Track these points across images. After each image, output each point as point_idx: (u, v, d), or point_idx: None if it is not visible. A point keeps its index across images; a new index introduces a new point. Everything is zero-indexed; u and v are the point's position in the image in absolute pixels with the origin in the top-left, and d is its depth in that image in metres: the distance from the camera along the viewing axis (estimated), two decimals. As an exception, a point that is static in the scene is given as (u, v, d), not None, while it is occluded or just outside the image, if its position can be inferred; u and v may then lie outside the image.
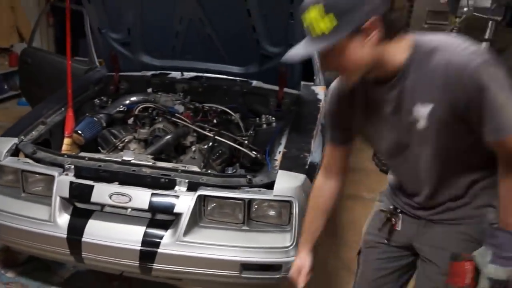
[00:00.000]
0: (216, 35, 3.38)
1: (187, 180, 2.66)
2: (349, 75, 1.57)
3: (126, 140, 3.21)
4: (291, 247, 2.58)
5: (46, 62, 4.68)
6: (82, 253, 2.64)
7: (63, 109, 3.30)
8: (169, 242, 2.58)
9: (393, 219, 1.91)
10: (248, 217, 2.65)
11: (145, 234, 2.59)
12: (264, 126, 3.34)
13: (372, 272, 2.04)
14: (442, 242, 1.76)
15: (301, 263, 2.02)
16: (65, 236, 2.63)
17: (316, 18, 1.42)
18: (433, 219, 1.78)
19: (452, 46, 1.47)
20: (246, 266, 2.56)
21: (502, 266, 1.51)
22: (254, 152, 3.00)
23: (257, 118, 3.40)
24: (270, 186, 2.63)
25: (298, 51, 1.51)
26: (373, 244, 2.03)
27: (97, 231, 2.63)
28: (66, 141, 3.17)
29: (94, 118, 3.30)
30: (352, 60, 1.49)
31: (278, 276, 2.59)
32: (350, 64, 1.50)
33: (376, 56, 1.50)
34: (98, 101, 3.58)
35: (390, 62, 1.53)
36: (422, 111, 1.54)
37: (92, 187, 2.68)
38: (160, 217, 2.69)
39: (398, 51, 1.52)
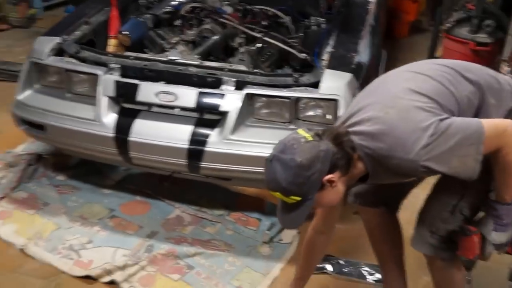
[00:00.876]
0: None
1: (234, 79, 2.58)
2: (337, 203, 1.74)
3: (173, 42, 3.09)
4: None
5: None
6: (130, 152, 2.62)
7: (106, 8, 3.19)
8: (216, 141, 2.54)
9: None
10: (296, 117, 2.58)
11: (193, 133, 2.55)
12: (314, 27, 3.18)
13: None
14: None
15: None
16: (112, 135, 2.61)
17: (282, 197, 1.60)
18: None
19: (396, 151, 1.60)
20: None
21: (502, 232, 1.77)
22: (303, 54, 2.88)
23: (306, 20, 3.24)
24: (316, 85, 2.55)
25: (291, 222, 1.75)
26: None
27: (144, 130, 2.60)
28: (112, 42, 3.07)
29: (140, 19, 3.18)
30: (333, 199, 1.68)
31: None
32: (334, 201, 1.69)
33: (348, 182, 1.70)
34: (144, 1, 3.44)
35: (358, 175, 1.72)
36: None
37: (137, 85, 2.63)
38: (207, 117, 2.63)
39: (358, 167, 1.68)
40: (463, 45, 4.30)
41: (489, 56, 4.22)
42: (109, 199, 2.98)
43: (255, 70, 2.76)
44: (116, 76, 2.67)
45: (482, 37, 4.29)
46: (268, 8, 3.29)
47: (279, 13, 3.27)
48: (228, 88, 2.57)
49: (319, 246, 2.11)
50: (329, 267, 2.58)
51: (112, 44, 3.07)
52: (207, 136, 2.55)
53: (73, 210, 2.87)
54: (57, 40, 2.87)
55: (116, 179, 3.16)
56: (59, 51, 2.87)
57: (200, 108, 2.59)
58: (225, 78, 2.58)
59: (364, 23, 3.11)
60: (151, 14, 3.25)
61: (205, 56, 2.99)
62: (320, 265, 2.57)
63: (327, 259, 2.61)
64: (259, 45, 3.02)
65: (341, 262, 2.62)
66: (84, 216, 2.83)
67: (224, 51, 3.10)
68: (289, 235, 2.76)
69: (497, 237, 1.77)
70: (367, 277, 2.56)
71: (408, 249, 2.10)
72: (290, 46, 2.97)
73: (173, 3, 3.36)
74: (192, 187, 3.05)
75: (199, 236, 2.73)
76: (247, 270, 2.54)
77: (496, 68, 3.21)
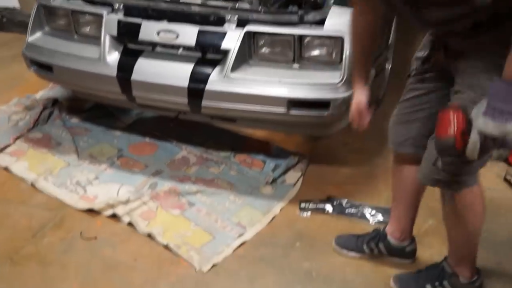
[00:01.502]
0: None
1: (236, 17, 2.51)
2: None
3: None
4: (340, 83, 2.43)
5: None
6: (133, 91, 2.62)
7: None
8: (216, 79, 2.50)
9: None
10: (300, 56, 2.50)
11: (193, 72, 2.52)
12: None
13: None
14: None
15: (358, 100, 1.98)
16: (115, 74, 2.61)
17: None
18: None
19: None
20: (293, 103, 2.45)
21: (492, 119, 1.39)
22: None
23: None
24: (323, 23, 2.44)
25: None
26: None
27: (146, 69, 2.58)
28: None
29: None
30: None
31: (326, 113, 2.47)
32: None
33: None
34: None
35: None
36: None
37: (139, 25, 2.60)
38: (210, 56, 2.59)
39: None
40: None
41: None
42: (119, 140, 3.03)
43: (259, 8, 2.68)
44: (119, 16, 2.65)
45: None
46: None
47: None
48: (230, 26, 2.51)
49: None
50: (329, 207, 2.54)
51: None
52: (207, 74, 2.51)
53: (84, 150, 2.93)
54: None
55: (127, 122, 3.20)
56: None
57: (201, 46, 2.55)
58: (228, 16, 2.52)
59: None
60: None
61: None
62: (320, 206, 2.55)
63: (329, 200, 2.58)
64: None
65: (343, 203, 2.58)
66: (93, 155, 2.88)
67: None
68: (292, 176, 2.73)
69: (484, 124, 1.41)
70: (369, 218, 2.51)
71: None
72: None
73: None
74: (200, 130, 3.06)
75: (202, 175, 2.74)
76: (248, 208, 2.53)
77: None
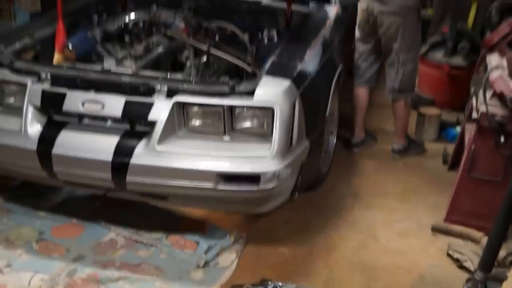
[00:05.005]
0: None
1: (166, 88, 2.31)
2: None
3: (121, 56, 2.86)
4: (270, 156, 2.23)
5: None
6: (53, 167, 2.34)
7: (55, 23, 2.98)
8: (142, 152, 2.26)
9: None
10: (231, 128, 2.31)
11: (118, 145, 2.28)
12: (265, 41, 2.97)
13: None
14: None
15: None
16: (35, 148, 2.34)
17: None
18: None
19: None
20: (222, 177, 2.22)
21: None
22: (252, 67, 2.63)
23: (259, 34, 3.03)
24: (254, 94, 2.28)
25: None
26: None
27: (69, 142, 2.33)
28: (57, 57, 2.83)
29: (88, 33, 2.96)
30: None
31: (256, 189, 2.24)
32: None
33: None
34: (96, 18, 3.26)
35: None
36: None
37: (64, 95, 2.37)
38: (139, 129, 2.36)
39: None
40: (438, 69, 4.07)
41: (465, 80, 3.95)
42: (42, 222, 2.67)
43: (189, 79, 2.51)
44: (45, 85, 2.42)
45: (457, 60, 4.06)
46: (224, 24, 3.08)
47: (236, 30, 3.04)
48: (159, 97, 2.30)
49: None
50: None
51: (57, 59, 2.84)
52: (133, 147, 2.26)
53: (0, 233, 2.57)
54: None
55: (55, 201, 2.86)
56: None
57: (127, 117, 2.32)
58: (158, 87, 2.31)
59: (317, 35, 2.91)
60: (101, 29, 3.04)
61: (149, 68, 2.74)
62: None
63: (263, 284, 2.28)
64: (205, 58, 2.78)
65: (277, 287, 2.29)
66: (10, 239, 2.52)
67: (172, 66, 2.87)
68: (227, 258, 2.44)
69: None
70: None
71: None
72: (238, 58, 2.74)
73: (125, 19, 3.16)
74: (132, 209, 2.76)
75: (129, 260, 2.41)
76: (173, 297, 2.20)
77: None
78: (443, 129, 3.90)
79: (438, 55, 4.07)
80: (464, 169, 2.72)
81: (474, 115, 2.65)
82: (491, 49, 3.14)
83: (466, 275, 2.42)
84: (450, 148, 3.55)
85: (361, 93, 3.62)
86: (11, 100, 2.54)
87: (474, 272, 2.27)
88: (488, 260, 2.18)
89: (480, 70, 3.45)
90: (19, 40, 2.78)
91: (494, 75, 2.61)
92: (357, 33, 3.48)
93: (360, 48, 3.51)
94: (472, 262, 2.47)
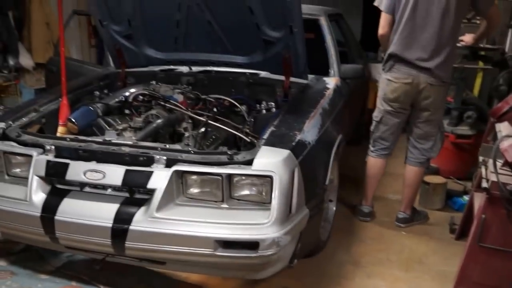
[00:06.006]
0: (216, 21, 3.31)
1: (165, 157, 2.54)
2: None
3: (121, 128, 3.14)
4: (269, 223, 2.39)
5: (68, 69, 4.75)
6: (56, 232, 2.57)
7: (60, 99, 3.29)
8: (141, 219, 2.46)
9: None
10: (229, 195, 2.50)
11: (118, 211, 2.50)
12: (264, 112, 3.20)
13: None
14: None
15: None
16: (39, 214, 2.57)
17: None
18: None
19: None
20: (221, 243, 2.39)
21: None
22: (250, 137, 2.86)
23: (257, 105, 3.27)
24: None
25: None
26: None
27: (71, 209, 2.56)
28: (60, 129, 3.14)
29: (90, 107, 3.26)
30: None
31: (254, 255, 2.39)
32: None
33: None
34: (98, 93, 3.56)
35: None
36: None
37: (67, 165, 2.62)
38: (138, 197, 2.57)
39: None
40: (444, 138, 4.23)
41: (472, 149, 4.11)
42: (44, 284, 2.90)
43: (188, 149, 2.73)
44: (49, 157, 2.69)
45: (463, 129, 4.21)
46: (222, 97, 3.34)
47: (234, 102, 3.30)
48: (158, 166, 2.54)
49: None
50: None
51: (60, 132, 3.12)
52: (132, 214, 2.48)
53: (4, 296, 2.80)
54: (1, 125, 2.94)
55: (56, 265, 3.10)
56: (3, 136, 2.91)
57: (127, 185, 2.55)
58: (157, 156, 2.56)
59: (316, 105, 3.13)
60: (102, 103, 3.34)
61: (149, 139, 2.98)
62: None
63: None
64: (204, 129, 3.02)
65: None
66: (13, 301, 2.74)
67: (171, 137, 3.12)
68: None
69: None
70: None
71: None
72: (236, 130, 2.96)
73: (125, 93, 3.47)
74: (131, 273, 2.95)
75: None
76: None
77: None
78: (449, 198, 4.03)
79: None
80: (474, 238, 2.72)
81: (484, 184, 2.68)
82: (500, 118, 3.26)
83: None
84: (457, 217, 3.66)
85: (379, 164, 3.76)
86: (17, 170, 2.80)
87: None
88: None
89: (489, 139, 3.57)
90: (26, 115, 3.09)
91: (505, 144, 2.61)
92: (388, 107, 3.57)
93: (391, 121, 3.61)
94: None
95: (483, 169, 2.77)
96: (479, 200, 2.88)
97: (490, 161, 2.62)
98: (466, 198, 3.85)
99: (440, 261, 3.30)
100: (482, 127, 4.12)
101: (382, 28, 3.52)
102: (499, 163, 2.60)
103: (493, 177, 2.59)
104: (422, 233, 3.68)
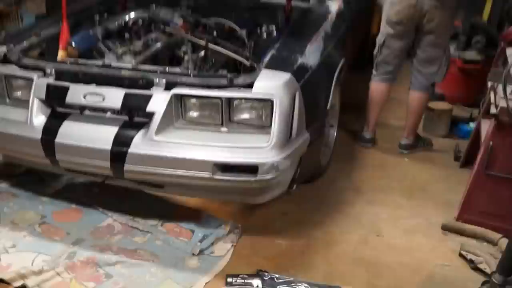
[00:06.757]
0: None
1: (164, 80, 2.53)
2: None
3: (121, 52, 3.11)
4: (269, 147, 2.41)
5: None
6: (56, 154, 2.60)
7: (60, 23, 3.25)
8: (140, 142, 2.49)
9: None
10: (229, 119, 2.51)
11: (117, 134, 2.52)
12: (264, 36, 3.16)
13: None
14: None
15: None
16: (39, 137, 2.60)
17: None
18: None
19: None
20: (219, 167, 2.42)
21: None
22: (250, 61, 2.82)
23: (258, 29, 3.22)
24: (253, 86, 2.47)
25: None
26: None
27: (71, 132, 2.59)
28: (61, 53, 3.10)
29: (90, 30, 3.23)
30: None
31: (253, 179, 2.42)
32: None
33: None
34: (98, 17, 3.50)
35: None
36: None
37: (67, 88, 2.63)
38: (137, 120, 2.58)
39: None
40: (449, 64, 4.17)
41: (479, 75, 4.05)
42: (45, 206, 2.99)
43: (188, 71, 2.71)
44: (49, 80, 2.69)
45: (471, 54, 4.14)
46: (222, 20, 3.29)
47: (234, 26, 3.25)
48: (157, 90, 2.53)
49: None
50: (258, 283, 2.42)
51: (61, 56, 3.09)
52: (131, 137, 2.50)
53: (6, 216, 2.88)
54: (2, 49, 2.92)
55: (56, 187, 3.17)
56: (4, 59, 2.89)
57: (126, 108, 2.56)
58: (156, 79, 2.54)
59: (318, 28, 3.09)
60: (102, 27, 3.30)
61: (148, 63, 2.95)
62: (249, 281, 2.43)
63: (259, 274, 2.47)
64: (203, 52, 2.97)
65: (275, 278, 2.46)
66: (15, 222, 2.83)
67: (170, 61, 3.09)
68: (222, 248, 2.66)
69: None
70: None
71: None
72: (236, 52, 2.92)
73: (125, 17, 3.42)
74: (129, 197, 3.02)
75: (125, 245, 2.67)
76: (168, 282, 2.43)
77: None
78: (455, 125, 4.02)
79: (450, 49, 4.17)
80: (480, 165, 2.71)
81: (493, 110, 2.65)
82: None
83: (480, 277, 2.47)
84: (462, 144, 3.64)
85: (383, 89, 3.74)
86: (18, 93, 2.82)
87: (491, 275, 2.27)
88: (508, 263, 2.16)
89: (499, 64, 3.52)
90: (26, 39, 3.06)
91: (516, 69, 2.56)
92: (391, 30, 3.54)
93: (394, 45, 3.57)
94: (489, 264, 2.50)
95: (492, 95, 2.72)
96: (486, 126, 2.87)
97: (500, 86, 2.57)
98: (472, 125, 3.83)
99: (444, 188, 3.30)
100: (490, 52, 4.05)
101: None
102: (509, 88, 2.55)
103: (502, 103, 2.56)
104: (426, 160, 3.67)
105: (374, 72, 3.74)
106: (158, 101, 2.49)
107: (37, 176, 3.20)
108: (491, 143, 2.67)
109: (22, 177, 3.25)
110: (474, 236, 2.78)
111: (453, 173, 3.48)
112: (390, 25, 3.52)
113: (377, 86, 3.73)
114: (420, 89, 3.63)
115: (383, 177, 3.44)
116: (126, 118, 2.60)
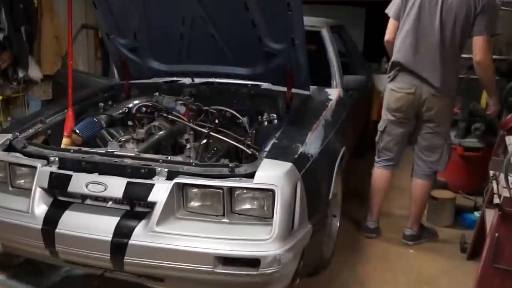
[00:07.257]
0: (219, 34, 3.35)
1: (166, 170, 2.56)
2: None
3: (123, 140, 3.16)
4: (271, 239, 2.38)
5: (75, 81, 4.81)
6: (56, 245, 2.58)
7: (65, 110, 3.33)
8: (141, 233, 2.47)
9: None
10: (230, 210, 2.49)
11: (118, 225, 2.50)
12: (265, 124, 3.22)
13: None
14: None
15: None
16: (40, 226, 2.59)
17: None
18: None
19: None
20: (221, 260, 2.39)
21: None
22: (251, 150, 2.87)
23: (259, 117, 3.29)
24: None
25: None
26: None
27: (72, 222, 2.57)
28: (65, 141, 3.17)
29: (94, 118, 3.30)
30: None
31: (255, 273, 2.38)
32: None
33: None
34: (102, 105, 3.60)
35: None
36: None
37: (70, 176, 2.64)
38: (139, 210, 2.58)
39: None
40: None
41: (480, 162, 4.08)
42: (42, 300, 2.91)
43: (190, 161, 2.74)
44: (53, 168, 2.71)
45: (471, 141, 4.18)
46: (224, 109, 3.37)
47: (236, 114, 3.32)
48: (159, 179, 2.55)
49: None
50: None
51: (65, 143, 3.16)
52: (132, 228, 2.48)
53: (2, 310, 2.81)
54: (8, 136, 2.97)
55: (54, 280, 3.12)
56: (9, 147, 2.94)
57: (128, 198, 2.56)
58: (158, 169, 2.57)
59: (319, 117, 3.15)
60: (106, 114, 3.38)
61: (151, 151, 3.01)
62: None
63: None
64: (205, 141, 3.03)
65: None
66: (11, 316, 2.75)
67: (173, 148, 3.14)
68: None
69: None
70: None
71: None
72: (238, 141, 2.97)
73: (129, 105, 3.50)
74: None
75: None
76: None
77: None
78: (459, 214, 3.97)
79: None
80: (487, 259, 2.63)
81: (496, 200, 2.61)
82: (511, 130, 3.21)
83: None
84: (468, 234, 3.58)
85: (385, 175, 3.75)
86: (21, 181, 2.83)
87: None
88: None
89: (499, 153, 3.53)
90: (32, 126, 3.14)
91: (516, 157, 2.55)
92: (391, 117, 3.59)
93: (394, 131, 3.62)
94: None
95: (494, 184, 2.69)
96: (491, 217, 2.80)
97: (502, 176, 2.55)
98: (477, 214, 3.78)
99: (451, 282, 3.22)
100: (490, 139, 4.09)
101: (388, 34, 3.58)
102: (511, 177, 2.51)
103: (505, 193, 2.51)
104: (431, 251, 3.61)
105: (376, 159, 3.76)
106: (160, 191, 2.49)
107: (36, 268, 3.15)
108: (496, 234, 2.60)
109: (20, 268, 3.20)
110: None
111: (460, 265, 3.41)
112: (390, 111, 3.58)
113: (379, 173, 3.75)
114: (423, 177, 3.64)
115: (388, 269, 3.37)
116: (127, 207, 2.60)
